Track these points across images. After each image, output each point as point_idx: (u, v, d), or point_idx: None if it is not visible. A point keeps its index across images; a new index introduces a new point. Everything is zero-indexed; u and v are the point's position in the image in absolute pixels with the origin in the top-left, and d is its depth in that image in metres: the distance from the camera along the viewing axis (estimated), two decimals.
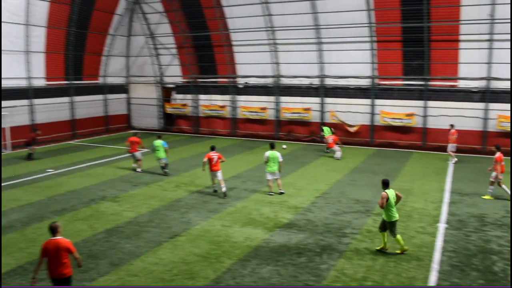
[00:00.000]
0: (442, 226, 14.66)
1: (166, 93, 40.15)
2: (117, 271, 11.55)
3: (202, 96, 38.09)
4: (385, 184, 12.46)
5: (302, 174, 22.33)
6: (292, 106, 33.76)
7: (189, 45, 37.33)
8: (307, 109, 33.01)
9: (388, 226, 12.39)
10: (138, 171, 23.23)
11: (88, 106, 37.25)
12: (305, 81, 33.23)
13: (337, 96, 32.27)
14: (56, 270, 9.13)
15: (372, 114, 31.15)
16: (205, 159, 18.53)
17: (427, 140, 29.79)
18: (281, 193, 18.54)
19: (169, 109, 39.42)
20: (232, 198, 18.09)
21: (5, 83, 30.29)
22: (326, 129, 28.92)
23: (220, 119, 37.18)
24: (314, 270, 11.42)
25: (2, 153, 28.85)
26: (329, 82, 32.42)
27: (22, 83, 31.71)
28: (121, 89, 40.92)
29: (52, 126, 33.28)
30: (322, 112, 32.71)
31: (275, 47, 33.49)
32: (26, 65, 31.69)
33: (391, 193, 12.33)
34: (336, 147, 26.25)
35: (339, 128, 31.80)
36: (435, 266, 11.62)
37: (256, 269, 11.53)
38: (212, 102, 37.50)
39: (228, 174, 21.96)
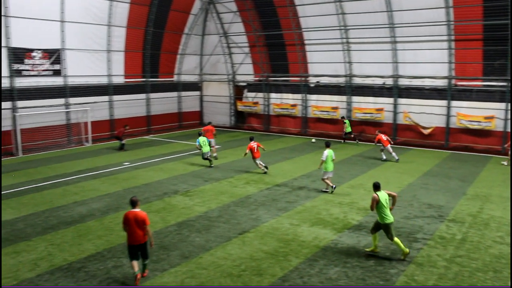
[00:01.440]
0: None
1: (238, 91, 40.77)
2: (187, 263, 11.93)
3: (273, 95, 38.36)
4: (376, 187, 12.29)
5: (372, 175, 21.89)
6: (364, 106, 33.20)
7: (262, 44, 37.68)
8: (380, 110, 32.30)
9: (383, 229, 12.12)
10: (214, 156, 25.83)
11: (163, 102, 38.66)
12: (378, 81, 32.54)
13: (411, 97, 31.35)
14: (133, 237, 10.75)
15: (448, 116, 29.93)
16: (248, 150, 22.02)
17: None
18: (326, 191, 18.82)
19: (240, 107, 40.01)
20: (302, 197, 18.11)
21: (88, 80, 32.18)
22: (347, 122, 31.07)
23: (291, 118, 37.24)
24: (382, 274, 11.21)
25: (82, 146, 30.65)
26: (403, 82, 31.54)
27: (103, 80, 33.43)
28: (195, 86, 42.06)
29: (129, 121, 34.89)
30: (395, 113, 31.89)
31: (348, 46, 33.06)
32: (107, 63, 33.39)
33: (382, 195, 12.11)
34: (388, 147, 25.44)
35: (412, 129, 30.91)
36: None
37: (324, 269, 11.50)
38: (283, 101, 37.66)
39: (297, 173, 22.04)
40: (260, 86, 38.89)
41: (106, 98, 33.80)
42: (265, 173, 22.14)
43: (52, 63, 29.80)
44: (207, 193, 18.81)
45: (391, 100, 32.04)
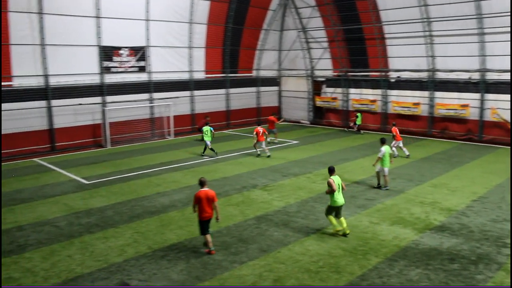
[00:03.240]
0: None
1: (317, 86, 40.49)
2: (265, 257, 12.08)
3: (352, 90, 37.69)
4: (331, 171, 13.53)
5: (456, 174, 20.96)
6: (448, 102, 31.69)
7: (341, 38, 37.14)
8: (465, 106, 30.73)
9: (332, 210, 13.47)
10: (275, 142, 29.51)
11: (242, 97, 39.27)
12: (463, 76, 30.91)
13: (499, 92, 29.39)
14: (205, 213, 12.16)
15: None
16: (254, 133, 25.20)
17: None
18: (387, 188, 18.61)
19: (319, 102, 39.73)
20: (381, 195, 17.73)
21: (171, 76, 33.45)
22: (360, 116, 34.62)
23: (370, 114, 36.43)
24: (468, 280, 10.71)
25: (165, 139, 31.87)
26: (491, 76, 29.71)
27: (185, 76, 34.56)
28: (273, 82, 42.29)
29: (209, 115, 35.96)
30: (482, 109, 30.18)
31: (431, 39, 31.69)
32: (189, 59, 34.46)
33: (336, 179, 13.38)
34: (400, 142, 25.00)
35: (500, 127, 29.14)
36: None
37: (404, 270, 11.20)
38: (362, 96, 36.93)
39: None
40: (338, 81, 38.37)
41: (187, 93, 34.90)
42: (268, 156, 25.09)
43: (138, 60, 31.25)
44: (285, 188, 18.92)
45: (477, 95, 30.34)
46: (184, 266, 11.59)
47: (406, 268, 11.33)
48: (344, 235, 13.33)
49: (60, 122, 28.05)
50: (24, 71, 26.16)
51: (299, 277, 10.93)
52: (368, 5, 33.72)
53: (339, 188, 13.33)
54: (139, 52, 31.22)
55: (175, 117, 33.03)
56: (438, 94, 32.31)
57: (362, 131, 34.43)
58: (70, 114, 28.37)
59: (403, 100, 34.10)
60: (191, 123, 34.93)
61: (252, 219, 15.13)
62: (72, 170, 22.68)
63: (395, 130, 25.04)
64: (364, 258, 11.90)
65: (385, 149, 18.28)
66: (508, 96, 28.87)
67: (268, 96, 41.82)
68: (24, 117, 26.45)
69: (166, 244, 13.08)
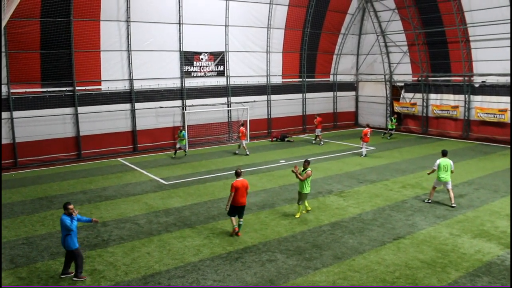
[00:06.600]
0: None
1: (395, 91, 39.40)
2: (340, 264, 11.93)
3: (432, 95, 36.28)
4: (307, 163, 15.82)
5: None
6: None
7: (421, 42, 35.87)
8: None
9: (299, 196, 15.81)
10: (320, 144, 31.24)
11: (318, 102, 38.99)
12: None
13: None
14: (240, 199, 13.77)
15: None
16: (240, 133, 27.84)
17: None
18: (453, 206, 16.78)
19: (397, 108, 38.62)
20: (463, 205, 16.92)
21: (248, 80, 33.97)
22: (393, 120, 34.78)
23: (451, 120, 34.87)
24: None
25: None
26: None
27: (262, 81, 34.92)
28: (350, 86, 41.65)
29: (285, 120, 36.18)
30: None
31: None
32: (266, 64, 34.81)
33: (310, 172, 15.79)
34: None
35: None
36: None
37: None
38: (443, 102, 35.42)
39: (458, 180, 20.55)
40: (418, 86, 37.09)
41: (264, 97, 35.24)
42: (247, 155, 27.58)
43: (217, 65, 32.02)
44: (361, 194, 18.57)
45: None
46: (258, 269, 11.70)
47: (490, 285, 10.72)
48: (307, 211, 16.31)
49: (142, 124, 29.36)
50: (112, 75, 27.72)
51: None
52: (451, 7, 32.25)
53: (309, 180, 15.72)
54: (218, 57, 31.98)
55: (251, 121, 33.45)
56: None
57: (389, 137, 34.49)
58: (152, 116, 29.63)
59: (488, 106, 32.30)
60: (267, 127, 35.21)
61: (326, 225, 14.99)
62: (152, 171, 23.64)
63: (366, 131, 26.89)
64: (443, 271, 11.41)
65: (439, 161, 17.12)
66: None
67: (345, 101, 41.25)
68: (111, 119, 28.01)
69: (241, 246, 13.26)
